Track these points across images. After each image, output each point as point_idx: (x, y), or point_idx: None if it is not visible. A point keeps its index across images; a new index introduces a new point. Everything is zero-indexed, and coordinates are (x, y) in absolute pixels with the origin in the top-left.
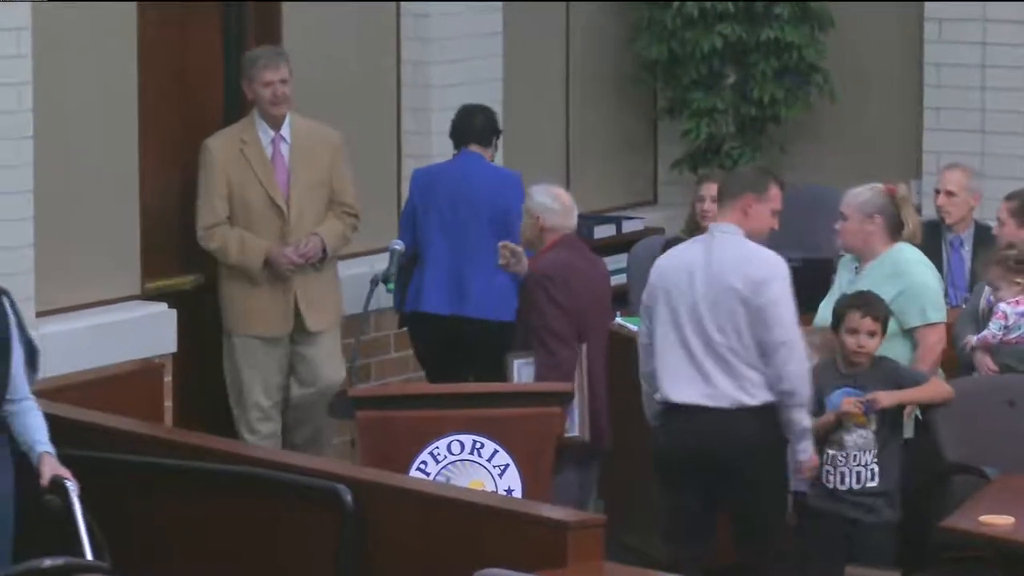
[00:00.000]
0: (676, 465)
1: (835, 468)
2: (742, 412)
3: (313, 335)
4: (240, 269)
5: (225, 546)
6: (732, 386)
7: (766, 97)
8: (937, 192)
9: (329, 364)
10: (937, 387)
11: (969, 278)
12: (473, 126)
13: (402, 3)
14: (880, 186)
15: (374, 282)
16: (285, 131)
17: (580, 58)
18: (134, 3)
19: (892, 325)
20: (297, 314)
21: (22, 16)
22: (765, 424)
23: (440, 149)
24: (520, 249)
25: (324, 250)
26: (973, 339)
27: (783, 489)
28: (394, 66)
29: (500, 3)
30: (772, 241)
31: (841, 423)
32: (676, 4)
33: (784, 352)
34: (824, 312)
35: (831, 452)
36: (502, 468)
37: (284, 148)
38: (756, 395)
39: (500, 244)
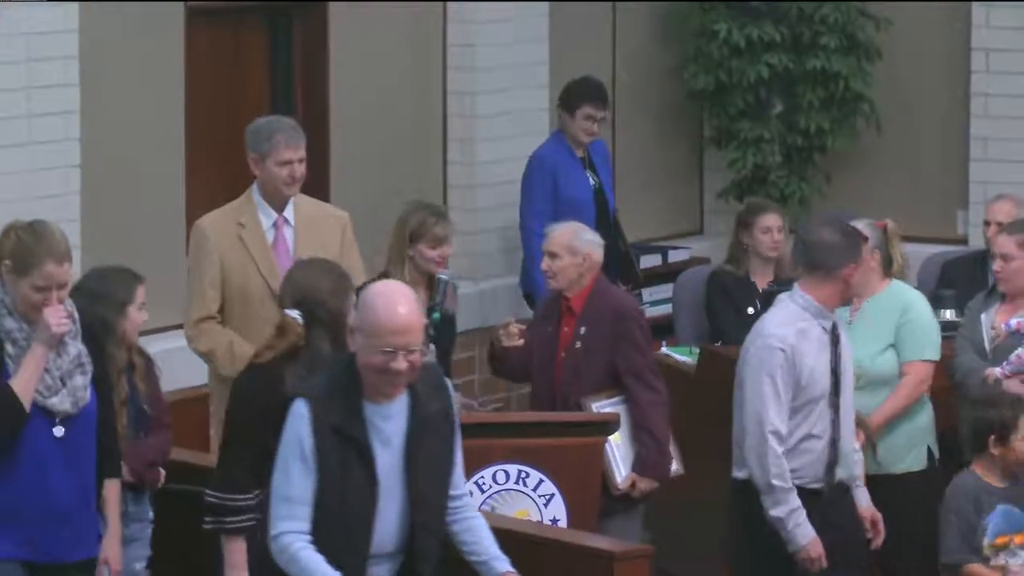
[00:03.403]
0: None
1: None
2: None
3: None
4: None
5: None
6: None
7: (812, 127)
8: (987, 224)
9: None
10: (908, 391)
11: None
12: None
13: (449, 33)
14: (871, 221)
15: None
16: (288, 213)
17: (627, 88)
18: (181, 30)
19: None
20: None
21: (70, 45)
22: None
23: (485, 178)
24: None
25: None
26: (997, 371)
27: None
28: (440, 96)
29: (546, 33)
30: None
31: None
32: (723, 34)
33: None
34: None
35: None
36: (547, 498)
37: (288, 232)
38: None
39: (510, 325)
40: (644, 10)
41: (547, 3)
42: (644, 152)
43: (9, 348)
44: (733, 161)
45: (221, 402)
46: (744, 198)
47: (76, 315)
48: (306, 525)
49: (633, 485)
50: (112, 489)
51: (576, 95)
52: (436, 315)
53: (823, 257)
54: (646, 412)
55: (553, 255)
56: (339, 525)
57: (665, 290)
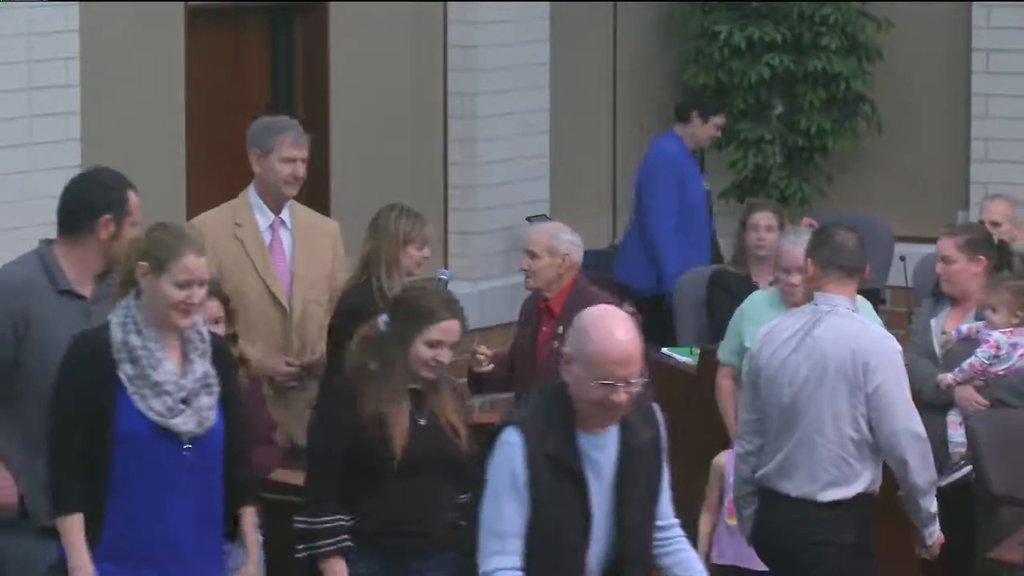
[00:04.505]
0: None
1: None
2: None
3: None
4: None
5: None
6: None
7: (813, 128)
8: (981, 223)
9: None
10: None
11: None
12: None
13: (449, 34)
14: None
15: None
16: (285, 215)
17: (627, 88)
18: (181, 30)
19: None
20: None
21: (70, 46)
22: None
23: (485, 179)
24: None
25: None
26: (949, 376)
27: None
28: (441, 97)
29: (547, 34)
30: None
31: None
32: (724, 35)
33: None
34: (725, 354)
35: None
36: None
37: (284, 235)
38: None
39: (478, 353)
40: (644, 11)
41: (548, 4)
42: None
43: (128, 368)
44: (734, 162)
45: None
46: (745, 199)
47: (206, 334)
48: (518, 560)
49: None
50: (248, 517)
51: (715, 104)
52: None
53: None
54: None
55: (533, 255)
56: (550, 559)
57: None
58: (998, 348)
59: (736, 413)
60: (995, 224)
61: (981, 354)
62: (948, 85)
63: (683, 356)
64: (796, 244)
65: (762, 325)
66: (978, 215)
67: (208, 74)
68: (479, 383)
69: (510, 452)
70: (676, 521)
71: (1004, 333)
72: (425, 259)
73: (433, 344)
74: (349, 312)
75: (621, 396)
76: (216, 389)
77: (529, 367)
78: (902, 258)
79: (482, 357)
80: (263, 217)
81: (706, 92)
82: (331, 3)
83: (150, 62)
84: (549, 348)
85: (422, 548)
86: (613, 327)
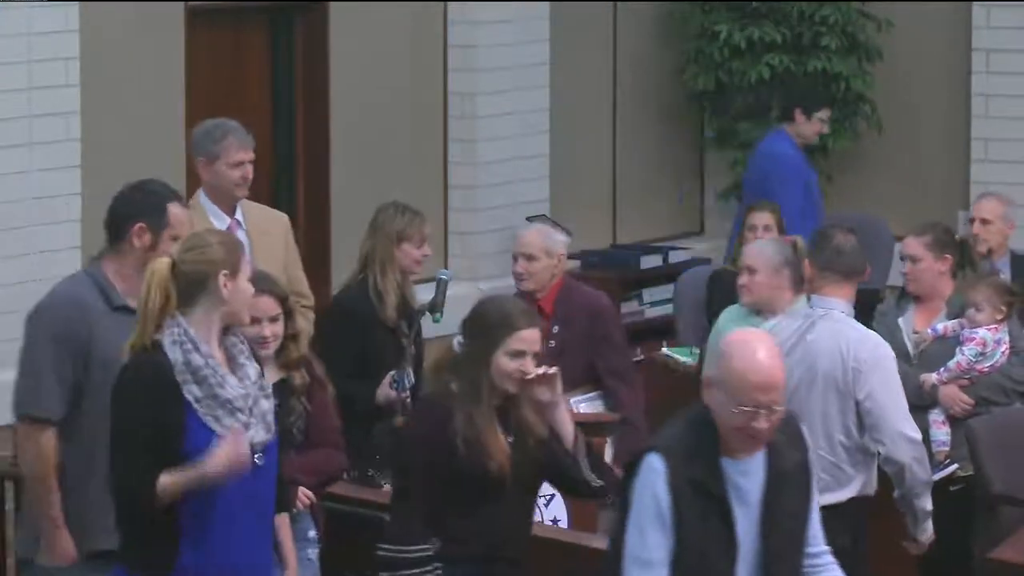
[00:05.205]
0: None
1: None
2: None
3: None
4: None
5: None
6: None
7: None
8: (972, 220)
9: None
10: None
11: None
12: None
13: (449, 34)
14: (781, 238)
15: (420, 312)
16: (239, 216)
17: (627, 88)
18: (181, 30)
19: None
20: None
21: (70, 46)
22: None
23: (485, 179)
24: None
25: None
26: (934, 376)
27: None
28: (441, 97)
29: (547, 34)
30: None
31: None
32: (724, 35)
33: None
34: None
35: None
36: (548, 498)
37: (242, 236)
38: None
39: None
40: (644, 11)
41: (548, 4)
42: (645, 153)
43: (194, 389)
44: (734, 162)
45: None
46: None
47: (242, 334)
48: None
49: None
50: (283, 525)
51: (817, 98)
52: (438, 316)
53: (860, 263)
54: (631, 411)
55: (530, 257)
56: None
57: (666, 290)
58: (984, 345)
59: None
60: (985, 221)
61: (968, 352)
62: (948, 85)
63: (683, 356)
64: (760, 246)
65: None
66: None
67: (208, 74)
68: None
69: (653, 478)
70: (826, 548)
71: (989, 330)
72: (425, 257)
73: (515, 355)
74: (343, 310)
75: (763, 423)
76: (268, 388)
77: None
78: (903, 258)
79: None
80: (219, 221)
81: (705, 94)
82: (331, 3)
83: (150, 62)
84: (545, 348)
85: (516, 574)
86: (756, 351)
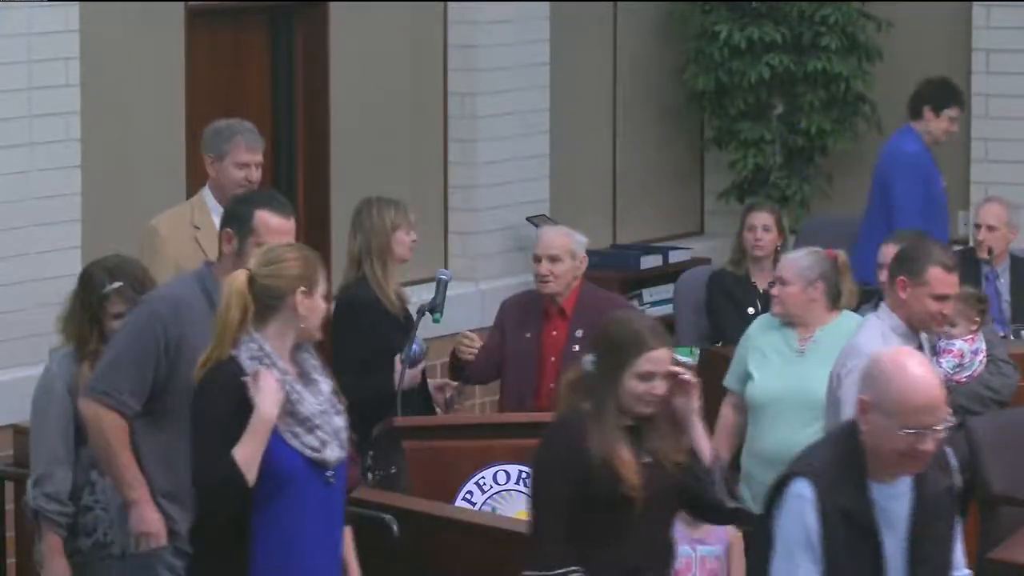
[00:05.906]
0: None
1: None
2: None
3: None
4: None
5: None
6: None
7: (813, 128)
8: (977, 227)
9: None
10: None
11: (1009, 310)
12: None
13: (449, 34)
14: (821, 251)
15: (420, 312)
16: None
17: (627, 89)
18: (181, 30)
19: None
20: None
21: (70, 46)
22: None
23: (485, 179)
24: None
25: None
26: None
27: None
28: (441, 97)
29: (547, 34)
30: None
31: None
32: (724, 35)
33: None
34: (729, 380)
35: None
36: None
37: None
38: None
39: (465, 339)
40: (644, 11)
41: (548, 4)
42: (645, 153)
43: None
44: (734, 162)
45: None
46: (745, 199)
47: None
48: None
49: None
50: (347, 538)
51: (947, 95)
52: (438, 316)
53: None
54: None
55: (554, 258)
56: None
57: (666, 290)
58: (962, 356)
59: (729, 447)
60: (991, 228)
61: (946, 364)
62: None
63: (683, 356)
64: (795, 257)
65: (764, 348)
66: (974, 218)
67: (208, 74)
68: (458, 369)
69: (802, 506)
70: (968, 572)
71: (966, 341)
72: (415, 242)
73: (644, 376)
74: (350, 308)
75: (929, 445)
76: (340, 403)
77: (532, 371)
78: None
79: (467, 343)
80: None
81: (705, 94)
82: (331, 3)
83: (150, 62)
84: (568, 353)
85: None
86: (916, 370)
